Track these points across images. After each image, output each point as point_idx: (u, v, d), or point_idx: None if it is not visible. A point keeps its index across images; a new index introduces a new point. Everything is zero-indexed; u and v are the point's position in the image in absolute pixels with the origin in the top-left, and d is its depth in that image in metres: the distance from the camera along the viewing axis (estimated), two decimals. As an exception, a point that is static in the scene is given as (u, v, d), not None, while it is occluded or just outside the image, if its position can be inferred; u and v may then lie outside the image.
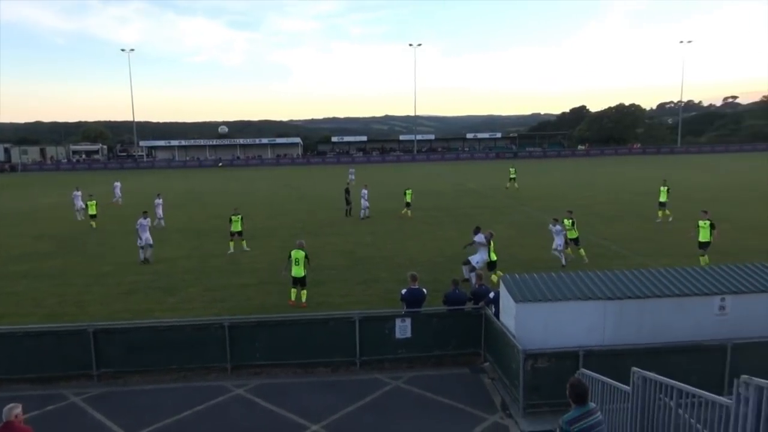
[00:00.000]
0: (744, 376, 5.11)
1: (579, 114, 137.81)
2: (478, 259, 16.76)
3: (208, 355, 11.23)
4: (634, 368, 6.97)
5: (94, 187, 43.59)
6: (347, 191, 32.13)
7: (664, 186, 27.56)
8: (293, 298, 15.13)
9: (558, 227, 18.68)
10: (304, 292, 15.22)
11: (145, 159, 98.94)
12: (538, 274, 10.86)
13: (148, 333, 11.43)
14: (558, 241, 18.62)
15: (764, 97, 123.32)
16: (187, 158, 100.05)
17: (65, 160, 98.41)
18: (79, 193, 33.61)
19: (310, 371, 11.29)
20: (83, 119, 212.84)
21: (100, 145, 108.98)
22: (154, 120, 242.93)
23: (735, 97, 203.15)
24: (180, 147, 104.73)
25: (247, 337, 11.31)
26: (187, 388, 10.70)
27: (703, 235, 18.15)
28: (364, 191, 30.96)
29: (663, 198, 27.38)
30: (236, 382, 10.89)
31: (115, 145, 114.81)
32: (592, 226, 25.38)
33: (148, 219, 21.05)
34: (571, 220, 19.39)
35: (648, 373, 6.69)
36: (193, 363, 11.22)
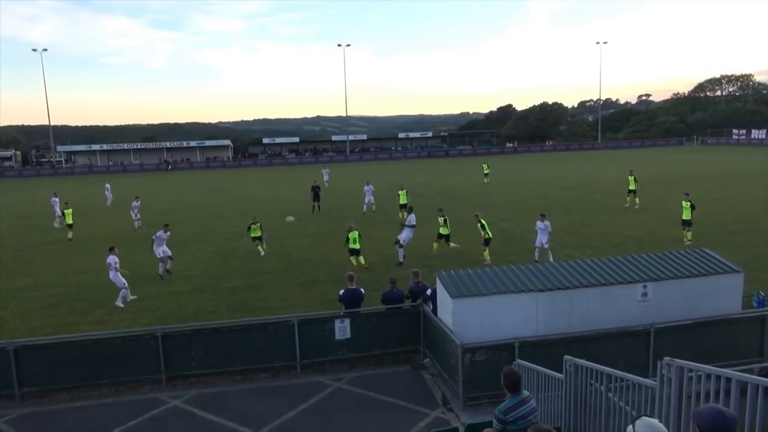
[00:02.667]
0: (666, 358, 5.44)
1: (506, 112, 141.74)
2: (404, 237, 19.64)
3: (141, 368, 10.83)
4: (567, 356, 7.26)
5: (60, 188, 40.89)
6: (315, 188, 32.70)
7: (630, 176, 29.88)
8: (355, 263, 18.32)
9: (547, 223, 18.49)
10: (362, 258, 18.62)
11: (63, 165, 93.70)
12: (473, 269, 11.14)
13: (74, 348, 10.91)
14: (541, 238, 18.47)
15: (674, 94, 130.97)
16: (110, 163, 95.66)
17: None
18: (57, 199, 31.50)
19: (250, 377, 11.10)
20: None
21: (13, 151, 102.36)
22: (73, 124, 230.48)
23: (648, 95, 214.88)
24: (102, 151, 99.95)
25: (182, 346, 10.99)
26: (119, 403, 10.28)
27: (686, 214, 20.67)
28: (370, 187, 31.79)
29: (632, 186, 29.78)
30: (172, 393, 10.55)
31: (30, 150, 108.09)
32: (522, 221, 26.26)
33: (169, 233, 19.43)
34: (480, 223, 19.03)
35: (579, 360, 6.99)
36: (125, 376, 10.80)
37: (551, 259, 17.28)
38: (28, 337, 12.29)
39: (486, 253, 18.86)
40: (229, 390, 10.65)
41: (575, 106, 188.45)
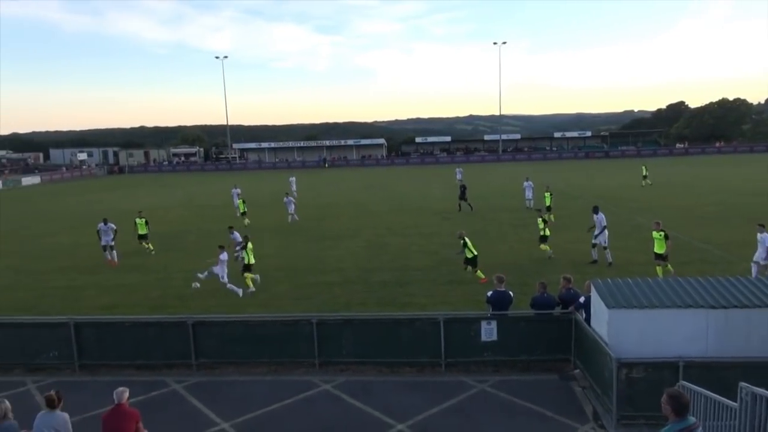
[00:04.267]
0: None
1: (677, 110, 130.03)
2: (602, 239, 18.83)
3: (297, 351, 11.60)
4: (743, 383, 6.49)
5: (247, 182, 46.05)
6: (462, 187, 33.82)
7: None
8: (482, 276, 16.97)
9: (765, 235, 15.24)
10: (477, 271, 17.18)
11: (237, 161, 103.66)
12: (632, 278, 10.38)
13: (241, 327, 12.01)
14: (760, 253, 15.29)
15: None
16: (276, 160, 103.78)
17: (166, 162, 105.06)
18: (238, 190, 35.83)
19: (396, 370, 11.38)
20: (182, 123, 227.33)
21: (197, 147, 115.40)
22: (246, 123, 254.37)
23: None
24: (270, 149, 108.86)
25: (334, 334, 11.58)
26: (277, 381, 11.11)
27: None
28: (530, 183, 32.49)
29: None
30: (323, 377, 11.17)
31: (210, 147, 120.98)
32: (694, 229, 23.92)
33: (236, 233, 20.84)
34: (661, 232, 16.50)
35: (759, 389, 6.21)
36: (283, 357, 11.64)
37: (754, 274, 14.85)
38: (204, 314, 13.78)
39: (659, 270, 16.47)
40: (376, 380, 11.02)
41: (762, 102, 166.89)
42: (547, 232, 20.51)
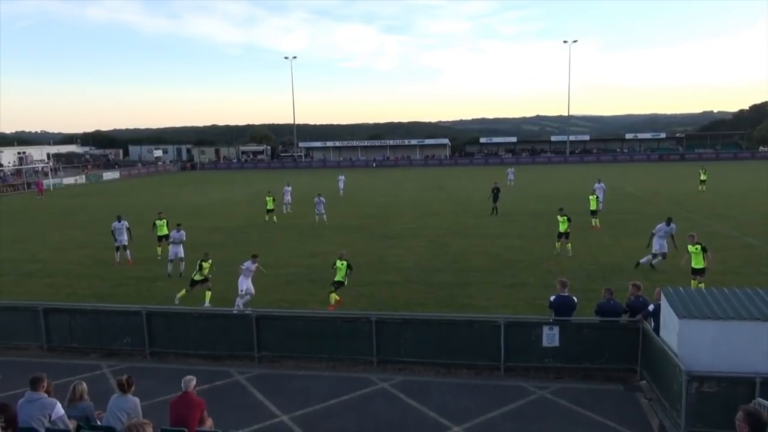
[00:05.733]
0: None
1: (761, 111, 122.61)
2: (656, 247, 18.19)
3: (356, 348, 11.73)
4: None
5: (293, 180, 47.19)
6: (495, 189, 32.36)
7: None
8: (332, 300, 15.11)
9: None
10: (335, 295, 15.18)
11: (303, 159, 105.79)
12: (706, 288, 9.87)
13: (302, 322, 12.27)
14: None
15: None
16: (341, 158, 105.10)
17: (235, 160, 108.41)
18: (290, 188, 36.25)
19: (454, 372, 11.31)
20: (251, 122, 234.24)
21: (265, 146, 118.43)
22: (312, 122, 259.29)
23: None
24: (334, 148, 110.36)
25: (392, 332, 11.65)
26: (336, 377, 11.27)
27: None
28: (602, 185, 31.81)
29: None
30: (381, 375, 11.24)
31: (278, 146, 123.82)
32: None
33: (183, 232, 19.74)
34: (697, 245, 15.36)
35: None
36: (342, 354, 11.80)
37: None
38: (267, 308, 14.15)
39: (693, 283, 15.16)
40: (433, 381, 10.99)
41: None
42: (568, 230, 20.63)
